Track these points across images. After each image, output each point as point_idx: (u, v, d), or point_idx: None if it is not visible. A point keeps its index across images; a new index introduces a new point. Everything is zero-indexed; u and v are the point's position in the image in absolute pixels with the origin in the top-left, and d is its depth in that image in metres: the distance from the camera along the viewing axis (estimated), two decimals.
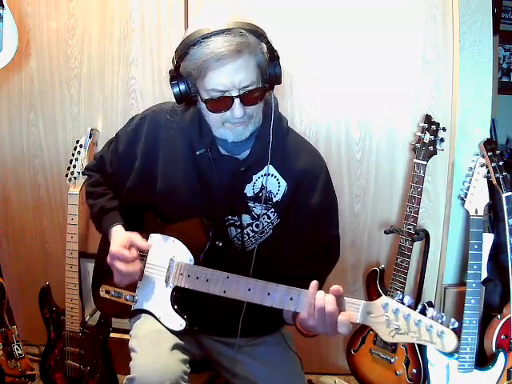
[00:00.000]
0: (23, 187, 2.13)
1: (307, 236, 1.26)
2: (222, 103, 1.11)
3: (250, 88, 1.11)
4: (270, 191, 1.25)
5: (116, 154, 1.36)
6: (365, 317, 1.00)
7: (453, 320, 0.92)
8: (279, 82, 1.18)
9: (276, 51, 1.15)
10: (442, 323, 0.92)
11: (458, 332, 0.93)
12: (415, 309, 0.95)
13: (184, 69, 1.12)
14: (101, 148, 1.49)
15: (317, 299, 1.04)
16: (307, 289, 1.08)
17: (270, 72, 1.15)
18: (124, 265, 1.22)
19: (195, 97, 1.16)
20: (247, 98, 1.11)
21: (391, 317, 0.96)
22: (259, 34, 1.10)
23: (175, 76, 1.15)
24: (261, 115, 1.21)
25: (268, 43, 1.13)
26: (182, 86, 1.15)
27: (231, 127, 1.16)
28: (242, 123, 1.15)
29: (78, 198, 1.86)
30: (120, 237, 1.27)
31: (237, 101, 1.10)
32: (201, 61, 1.07)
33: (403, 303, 0.96)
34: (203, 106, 1.15)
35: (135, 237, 1.25)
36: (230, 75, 1.08)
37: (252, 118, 1.16)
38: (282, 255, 1.28)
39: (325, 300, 1.03)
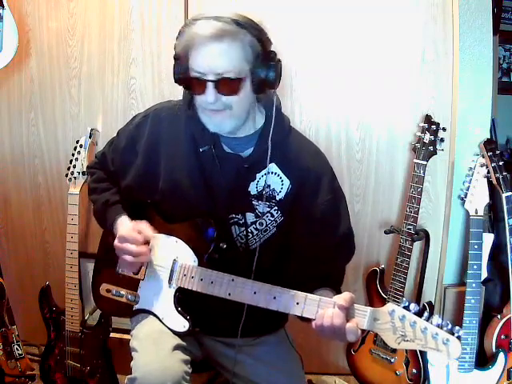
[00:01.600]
0: (23, 187, 2.13)
1: (320, 235, 1.26)
2: (195, 85, 1.13)
3: (227, 75, 1.10)
4: (274, 189, 1.25)
5: (118, 151, 1.36)
6: (371, 323, 1.01)
7: (457, 328, 0.93)
8: (273, 86, 1.17)
9: (273, 52, 1.15)
10: (446, 331, 0.93)
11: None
12: (421, 316, 0.96)
13: (176, 49, 1.16)
14: (101, 148, 1.49)
15: (325, 317, 1.04)
16: (323, 287, 1.10)
17: (260, 73, 1.14)
18: (135, 246, 1.21)
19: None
20: (221, 85, 1.11)
21: (397, 324, 0.97)
22: (252, 29, 1.11)
23: (174, 57, 1.17)
24: (246, 110, 1.19)
25: (261, 41, 1.12)
26: (177, 67, 1.16)
27: (208, 114, 1.16)
28: (217, 112, 1.15)
29: (78, 197, 1.86)
30: (128, 223, 1.28)
31: (210, 85, 1.11)
32: (185, 40, 1.11)
33: (409, 310, 0.97)
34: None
35: (143, 225, 1.25)
36: (209, 58, 1.09)
37: (231, 110, 1.15)
38: (291, 255, 1.28)
39: (332, 317, 1.03)
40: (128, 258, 1.22)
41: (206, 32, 1.07)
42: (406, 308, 0.97)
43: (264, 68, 1.14)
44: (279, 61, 1.16)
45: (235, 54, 1.10)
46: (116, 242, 1.24)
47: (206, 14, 1.11)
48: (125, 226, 1.28)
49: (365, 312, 1.02)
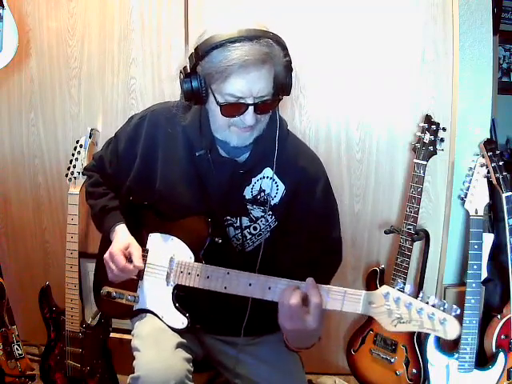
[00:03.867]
0: (23, 187, 2.13)
1: (308, 240, 1.26)
2: (235, 108, 1.11)
3: (266, 98, 1.11)
4: (269, 194, 1.25)
5: (116, 153, 1.36)
6: (366, 307, 1.00)
7: (454, 307, 0.91)
8: (288, 94, 1.18)
9: (291, 63, 1.14)
10: (443, 310, 0.92)
11: (459, 319, 0.93)
12: (416, 297, 0.95)
13: (203, 69, 1.10)
14: (100, 148, 1.49)
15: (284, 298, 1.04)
16: None
17: (285, 86, 1.15)
18: (116, 268, 1.24)
19: (205, 97, 1.14)
20: (261, 108, 1.11)
21: (393, 306, 0.96)
22: (283, 47, 1.11)
23: (189, 73, 1.12)
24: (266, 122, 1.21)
25: (288, 56, 1.12)
26: (195, 84, 1.11)
27: (237, 132, 1.15)
28: (249, 129, 1.15)
29: (78, 197, 1.86)
30: (123, 240, 1.28)
31: (251, 109, 1.10)
32: (225, 65, 1.05)
33: (404, 292, 0.96)
34: (212, 107, 1.14)
35: (135, 251, 1.26)
36: (250, 83, 1.07)
37: (259, 125, 1.16)
38: (283, 259, 1.28)
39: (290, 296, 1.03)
40: (109, 275, 1.27)
41: (250, 58, 1.04)
42: (401, 290, 0.96)
43: (287, 81, 1.14)
44: (292, 68, 1.16)
45: (272, 76, 1.11)
46: (106, 256, 1.26)
47: (240, 33, 1.05)
48: (119, 241, 1.28)
49: (359, 296, 1.01)
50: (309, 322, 1.01)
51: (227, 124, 1.15)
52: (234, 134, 1.16)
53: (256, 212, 1.26)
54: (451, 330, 0.91)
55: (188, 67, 1.13)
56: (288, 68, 1.14)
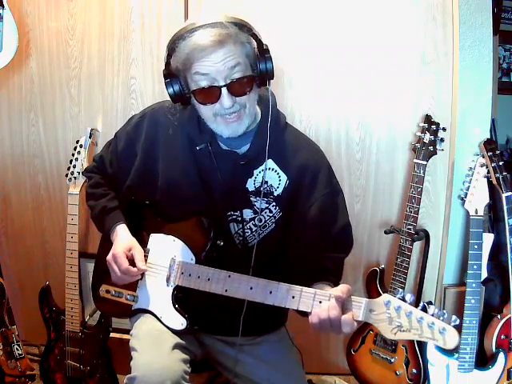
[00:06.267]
0: (23, 187, 2.13)
1: (317, 229, 1.26)
2: (209, 94, 1.13)
3: (237, 76, 1.12)
4: (271, 185, 1.26)
5: (116, 153, 1.37)
6: (367, 314, 1.01)
7: (454, 317, 0.93)
8: (272, 77, 1.18)
9: (265, 45, 1.17)
10: (443, 320, 0.93)
11: (458, 329, 0.94)
12: (417, 306, 0.96)
13: (173, 65, 1.15)
14: (100, 148, 1.49)
15: (320, 311, 1.04)
16: (321, 281, 1.11)
17: (261, 66, 1.16)
18: (119, 270, 1.24)
19: (189, 94, 1.17)
20: (235, 87, 1.12)
21: (393, 314, 0.97)
22: (243, 27, 1.12)
23: (168, 74, 1.17)
24: (257, 108, 1.22)
25: (255, 36, 1.14)
26: (176, 85, 1.16)
27: (224, 122, 1.16)
28: (235, 116, 1.15)
29: (78, 197, 1.86)
30: (125, 241, 1.28)
31: (224, 90, 1.11)
32: (185, 54, 1.10)
33: (405, 301, 0.97)
34: (194, 101, 1.17)
35: (138, 254, 1.27)
36: (214, 65, 1.10)
37: (245, 110, 1.16)
38: (294, 251, 1.28)
39: (328, 309, 1.03)
40: (113, 276, 1.28)
41: (205, 41, 1.08)
42: (402, 299, 0.97)
43: (263, 61, 1.16)
44: (268, 49, 1.18)
45: (238, 54, 1.12)
46: (109, 257, 1.27)
47: (197, 24, 1.10)
48: (122, 242, 1.28)
49: (360, 303, 1.02)
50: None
51: (212, 114, 1.16)
52: (222, 124, 1.17)
53: (259, 204, 1.27)
54: (450, 340, 0.92)
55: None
56: (260, 48, 1.15)
